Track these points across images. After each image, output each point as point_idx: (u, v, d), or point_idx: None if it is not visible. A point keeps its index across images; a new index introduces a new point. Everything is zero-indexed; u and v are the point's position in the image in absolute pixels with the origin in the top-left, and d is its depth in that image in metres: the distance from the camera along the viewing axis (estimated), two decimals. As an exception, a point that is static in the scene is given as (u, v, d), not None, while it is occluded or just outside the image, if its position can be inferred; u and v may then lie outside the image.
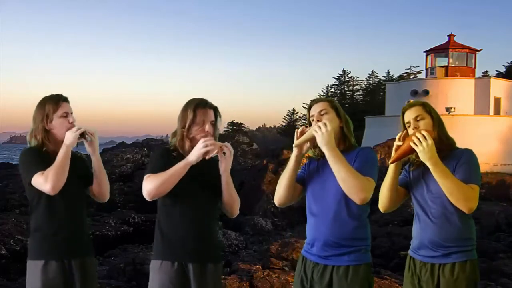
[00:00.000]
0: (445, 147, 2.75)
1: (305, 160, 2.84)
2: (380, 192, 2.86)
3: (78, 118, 2.95)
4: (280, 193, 2.75)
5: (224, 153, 2.67)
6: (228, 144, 2.69)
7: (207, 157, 2.61)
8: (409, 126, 2.78)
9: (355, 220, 2.63)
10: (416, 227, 2.82)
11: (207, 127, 2.70)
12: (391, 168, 2.79)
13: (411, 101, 2.91)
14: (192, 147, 2.66)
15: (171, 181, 2.57)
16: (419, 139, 2.64)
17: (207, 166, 2.68)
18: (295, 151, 2.72)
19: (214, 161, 2.71)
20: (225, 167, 2.68)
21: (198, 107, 2.70)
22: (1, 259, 7.27)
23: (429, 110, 2.79)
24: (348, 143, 2.72)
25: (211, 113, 2.73)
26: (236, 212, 2.81)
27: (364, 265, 2.63)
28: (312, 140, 2.66)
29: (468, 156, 2.71)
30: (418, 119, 2.76)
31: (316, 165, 2.75)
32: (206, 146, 2.58)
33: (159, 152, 2.78)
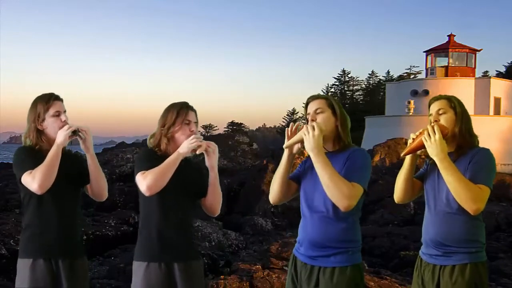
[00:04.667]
0: (466, 144, 2.70)
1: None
2: (395, 183, 2.84)
3: (78, 118, 2.98)
4: (274, 191, 2.76)
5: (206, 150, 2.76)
6: (212, 143, 2.78)
7: (197, 152, 2.71)
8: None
9: (342, 221, 2.56)
10: (423, 224, 2.79)
11: (193, 126, 2.78)
12: (406, 160, 2.78)
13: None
14: (171, 146, 2.73)
15: (168, 173, 2.63)
16: (429, 133, 2.62)
17: (187, 168, 2.74)
18: (286, 151, 2.70)
19: (193, 163, 2.83)
20: (212, 163, 2.77)
21: (182, 109, 2.78)
22: (1, 259, 7.26)
23: (454, 105, 2.74)
24: (342, 143, 2.65)
25: (193, 114, 2.81)
26: (218, 209, 2.86)
27: (352, 267, 2.55)
28: (302, 141, 2.62)
29: (482, 155, 2.63)
30: (440, 112, 2.72)
31: (311, 164, 2.70)
32: (197, 141, 2.67)
33: (144, 152, 2.81)
